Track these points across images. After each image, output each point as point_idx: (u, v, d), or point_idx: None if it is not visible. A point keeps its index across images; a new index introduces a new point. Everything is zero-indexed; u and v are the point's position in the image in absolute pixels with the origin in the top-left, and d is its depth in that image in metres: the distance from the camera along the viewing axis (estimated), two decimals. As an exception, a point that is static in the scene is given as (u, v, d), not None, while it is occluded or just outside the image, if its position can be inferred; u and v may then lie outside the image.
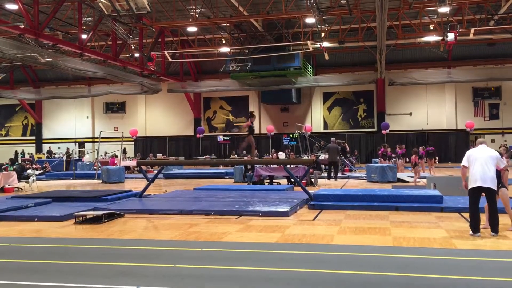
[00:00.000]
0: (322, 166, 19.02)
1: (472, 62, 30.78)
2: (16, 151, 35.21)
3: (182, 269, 5.77)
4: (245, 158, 13.98)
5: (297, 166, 16.43)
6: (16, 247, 7.32)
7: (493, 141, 29.71)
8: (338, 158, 19.43)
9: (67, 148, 32.77)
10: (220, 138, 34.18)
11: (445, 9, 20.87)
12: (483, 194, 7.49)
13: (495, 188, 7.42)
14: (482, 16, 24.54)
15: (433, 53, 30.22)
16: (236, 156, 29.13)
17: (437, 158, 21.66)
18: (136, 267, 5.87)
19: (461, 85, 30.96)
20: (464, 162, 7.72)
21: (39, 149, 37.68)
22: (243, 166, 18.64)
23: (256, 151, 13.97)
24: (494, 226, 7.45)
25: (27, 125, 39.50)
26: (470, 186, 7.53)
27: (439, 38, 24.46)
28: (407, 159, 22.49)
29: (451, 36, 22.14)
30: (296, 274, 5.47)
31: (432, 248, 6.71)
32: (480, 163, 7.44)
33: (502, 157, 7.90)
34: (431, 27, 25.10)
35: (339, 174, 19.79)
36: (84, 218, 9.44)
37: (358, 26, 25.59)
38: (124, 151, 32.79)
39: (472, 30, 24.20)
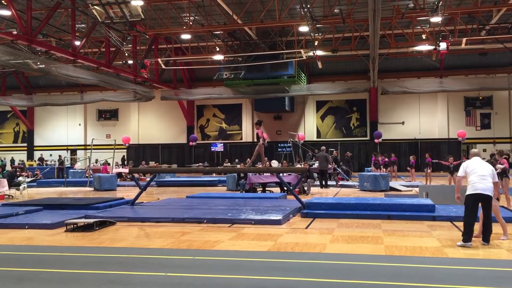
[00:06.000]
0: (315, 174, 19.05)
1: (464, 71, 31.07)
2: (1, 159, 34.71)
3: (174, 277, 5.72)
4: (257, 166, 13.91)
5: (290, 174, 16.41)
6: (6, 255, 7.23)
7: (484, 150, 29.88)
8: (329, 166, 19.50)
9: (59, 156, 32.56)
10: (214, 145, 34.15)
11: (437, 19, 21.08)
12: (480, 203, 7.48)
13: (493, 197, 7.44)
14: (474, 26, 24.82)
15: (425, 62, 30.45)
16: (229, 164, 29.09)
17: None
18: (127, 276, 5.81)
19: (453, 94, 31.22)
20: (461, 173, 7.72)
21: (30, 156, 37.41)
22: (235, 174, 18.65)
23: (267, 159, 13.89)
24: (486, 236, 7.45)
25: (19, 132, 39.27)
26: (469, 192, 7.46)
27: (431, 47, 24.67)
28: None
29: (443, 45, 22.35)
30: (288, 283, 5.44)
31: (424, 257, 6.71)
32: (480, 174, 7.47)
33: (497, 162, 7.92)
34: (424, 36, 25.32)
35: (334, 183, 19.88)
36: (75, 226, 9.36)
37: (351, 35, 25.77)
38: (123, 161, 32.67)
39: (464, 39, 24.46)
